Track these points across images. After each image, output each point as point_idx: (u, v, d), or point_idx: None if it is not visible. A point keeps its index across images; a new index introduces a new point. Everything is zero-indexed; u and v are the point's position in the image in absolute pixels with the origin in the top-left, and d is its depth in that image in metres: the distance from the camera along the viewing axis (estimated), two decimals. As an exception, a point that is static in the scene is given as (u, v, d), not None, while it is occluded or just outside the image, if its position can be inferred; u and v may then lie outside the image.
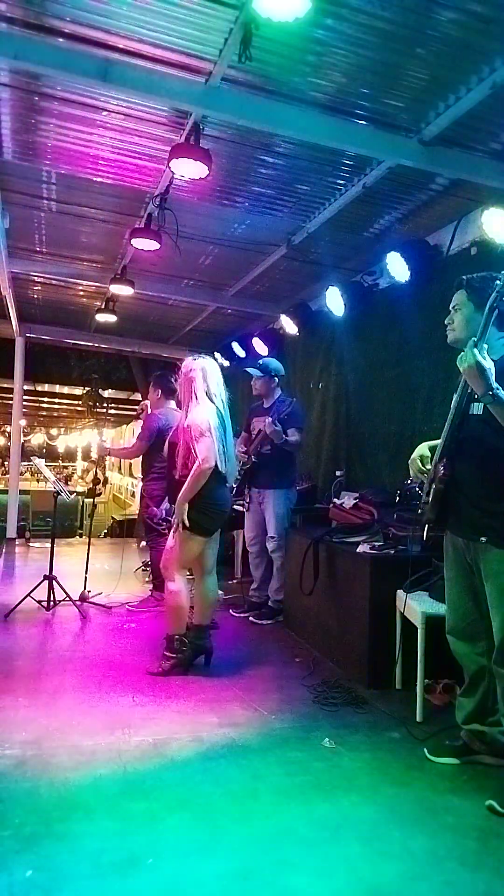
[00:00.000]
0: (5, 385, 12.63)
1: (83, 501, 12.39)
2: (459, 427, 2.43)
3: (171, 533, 3.52)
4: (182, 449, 3.48)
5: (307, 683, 3.41)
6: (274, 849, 1.99)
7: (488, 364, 2.15)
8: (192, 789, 2.32)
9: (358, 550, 3.66)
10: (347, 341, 5.64)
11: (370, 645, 3.39)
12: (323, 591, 3.95)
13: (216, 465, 3.42)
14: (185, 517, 3.41)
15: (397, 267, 4.49)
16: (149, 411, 5.08)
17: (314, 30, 2.67)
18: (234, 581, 5.97)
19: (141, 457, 5.09)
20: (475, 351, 2.15)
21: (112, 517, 13.02)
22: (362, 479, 5.23)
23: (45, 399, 20.35)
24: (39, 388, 18.02)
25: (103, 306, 7.16)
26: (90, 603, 4.88)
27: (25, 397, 11.15)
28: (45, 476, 5.86)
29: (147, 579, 5.56)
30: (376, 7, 2.53)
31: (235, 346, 7.53)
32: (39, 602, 4.65)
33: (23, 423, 11.65)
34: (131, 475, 19.38)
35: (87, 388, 15.80)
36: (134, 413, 16.12)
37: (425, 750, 2.64)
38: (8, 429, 21.99)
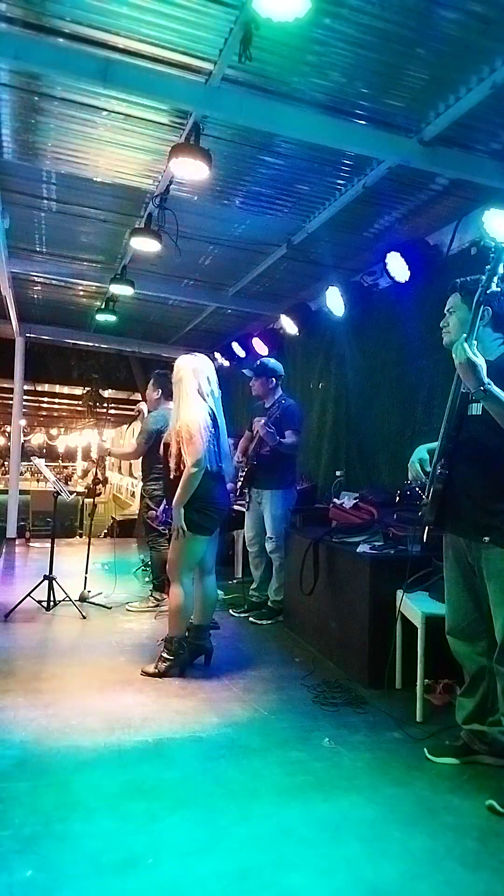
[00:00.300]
0: (5, 385, 12.63)
1: (83, 501, 12.39)
2: (459, 428, 2.44)
3: (173, 537, 3.51)
4: (174, 449, 3.47)
5: (307, 683, 3.41)
6: (274, 849, 1.99)
7: (479, 360, 2.16)
8: (192, 789, 2.32)
9: (358, 550, 3.66)
10: (347, 341, 5.64)
11: (370, 645, 3.39)
12: (323, 591, 3.95)
13: (209, 465, 3.40)
14: (184, 519, 3.40)
15: (397, 267, 4.49)
16: (145, 414, 5.06)
17: (314, 30, 2.67)
18: (235, 581, 5.97)
19: (141, 457, 5.09)
20: (465, 346, 2.16)
21: (112, 517, 13.02)
22: (362, 479, 5.23)
23: (45, 399, 20.35)
24: (39, 388, 18.02)
25: (103, 306, 7.17)
26: (90, 603, 4.88)
27: (25, 397, 11.15)
28: (45, 476, 5.86)
29: (147, 579, 5.56)
30: (376, 7, 2.53)
31: (235, 346, 7.52)
32: (39, 602, 4.65)
33: (23, 423, 11.64)
34: (131, 475, 19.38)
35: (87, 388, 15.81)
36: (133, 413, 16.13)
37: (425, 750, 2.64)
38: (8, 429, 21.98)
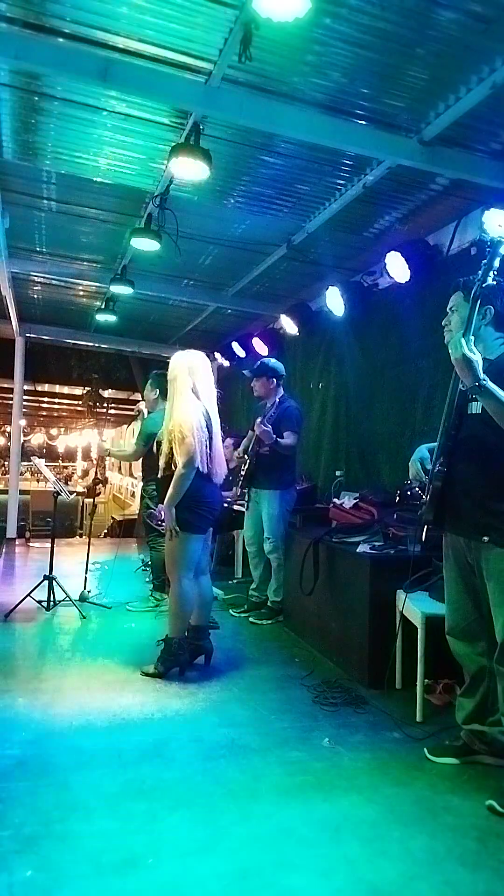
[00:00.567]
0: (5, 385, 12.65)
1: (83, 501, 12.40)
2: (458, 426, 2.43)
3: (166, 538, 3.51)
4: (165, 448, 3.45)
5: (307, 683, 3.41)
6: (274, 849, 1.99)
7: (476, 356, 2.16)
8: (192, 789, 2.32)
9: (358, 550, 3.66)
10: (347, 341, 5.64)
11: (370, 645, 3.38)
12: (323, 591, 3.95)
13: (200, 466, 3.37)
14: (175, 519, 3.39)
15: (397, 267, 4.49)
16: (145, 414, 5.06)
17: (314, 30, 2.67)
18: (234, 581, 5.97)
19: (141, 459, 5.09)
20: (462, 342, 2.16)
21: (112, 517, 13.03)
22: (362, 479, 5.23)
23: (45, 399, 20.37)
24: (39, 388, 18.04)
25: (103, 306, 7.17)
26: (90, 603, 4.88)
27: (25, 397, 11.16)
28: (45, 476, 5.86)
29: (147, 579, 5.56)
30: (376, 7, 2.53)
31: (235, 346, 7.53)
32: (39, 602, 4.65)
33: (23, 423, 11.65)
34: (131, 475, 19.38)
35: (87, 388, 15.82)
36: (133, 413, 16.13)
37: (425, 750, 2.64)
38: (8, 429, 21.98)
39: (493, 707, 2.50)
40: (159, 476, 3.47)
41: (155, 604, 4.89)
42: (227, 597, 5.26)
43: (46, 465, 6.36)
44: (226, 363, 8.13)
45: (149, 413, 5.04)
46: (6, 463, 21.13)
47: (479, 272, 2.23)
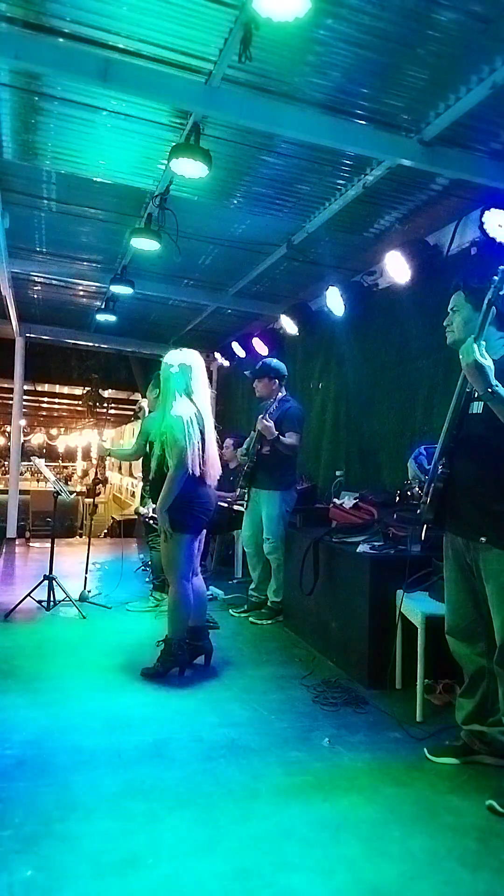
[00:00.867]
0: (5, 385, 12.65)
1: (83, 501, 12.40)
2: (458, 426, 2.43)
3: (161, 539, 3.51)
4: (157, 451, 3.44)
5: (307, 683, 3.41)
6: (274, 849, 1.99)
7: (487, 362, 2.16)
8: (192, 789, 2.32)
9: (358, 550, 3.66)
10: (347, 341, 5.64)
11: (370, 645, 3.38)
12: (323, 591, 3.94)
13: (192, 469, 3.35)
14: (169, 521, 3.38)
15: (397, 267, 4.49)
16: (147, 412, 5.06)
17: (314, 30, 2.67)
18: (234, 581, 5.97)
19: (141, 458, 5.09)
20: (474, 347, 2.15)
21: (112, 517, 13.02)
22: (362, 479, 5.23)
23: (45, 399, 20.37)
24: (39, 388, 18.04)
25: (103, 306, 7.17)
26: (90, 603, 4.88)
27: (25, 397, 11.16)
28: (45, 476, 5.86)
29: (147, 579, 5.56)
30: (376, 7, 2.53)
31: (235, 346, 7.53)
32: (39, 602, 4.65)
33: (23, 423, 11.65)
34: (131, 475, 19.37)
35: (87, 388, 15.81)
36: (134, 413, 16.11)
37: (425, 750, 2.64)
38: (8, 429, 21.98)
39: (492, 708, 2.50)
40: (150, 478, 3.47)
41: (155, 604, 4.89)
42: (227, 597, 5.27)
43: (46, 465, 6.37)
44: (226, 363, 8.13)
45: (150, 412, 5.04)
46: (6, 463, 21.13)
47: (496, 278, 2.19)
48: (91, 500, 5.85)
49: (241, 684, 3.39)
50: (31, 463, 14.06)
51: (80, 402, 18.34)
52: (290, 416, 4.65)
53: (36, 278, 6.89)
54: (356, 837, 2.06)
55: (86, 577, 5.10)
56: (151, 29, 2.79)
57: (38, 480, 18.90)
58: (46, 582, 4.72)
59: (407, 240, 4.58)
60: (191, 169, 3.47)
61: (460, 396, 2.42)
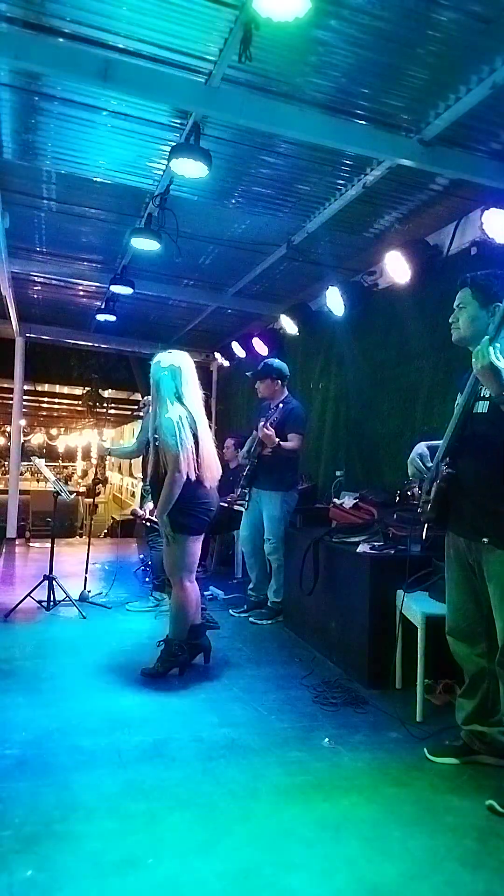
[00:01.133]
0: (5, 385, 12.62)
1: (83, 501, 12.41)
2: (463, 426, 2.42)
3: (164, 543, 3.50)
4: (152, 456, 3.44)
5: (307, 683, 3.41)
6: (274, 849, 1.99)
7: (501, 364, 2.14)
8: (192, 789, 2.32)
9: (358, 550, 3.66)
10: (347, 341, 5.64)
11: (370, 645, 3.38)
12: (323, 591, 3.95)
13: (189, 474, 3.33)
14: (170, 523, 3.38)
15: (397, 267, 4.49)
16: (149, 410, 5.05)
17: (314, 30, 2.67)
18: (234, 581, 5.97)
19: (141, 457, 5.09)
20: (490, 350, 2.12)
21: (112, 517, 13.02)
22: (362, 479, 5.23)
23: (45, 399, 20.34)
24: (39, 388, 18.01)
25: (103, 306, 7.17)
26: (90, 603, 4.88)
27: (25, 397, 11.16)
28: (45, 476, 5.86)
29: (147, 579, 5.56)
30: (376, 7, 2.53)
31: (235, 347, 7.53)
32: (39, 602, 4.65)
33: (23, 423, 11.65)
34: (131, 475, 19.38)
35: (87, 388, 15.80)
36: (133, 413, 16.12)
37: (425, 750, 2.64)
38: (8, 429, 21.97)
39: (493, 708, 2.50)
40: (147, 480, 3.47)
41: (155, 603, 4.89)
42: (226, 597, 5.27)
43: (46, 466, 6.37)
44: (226, 363, 8.13)
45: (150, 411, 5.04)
46: (6, 463, 21.12)
47: None
48: (91, 500, 5.86)
49: (241, 684, 3.39)
50: (31, 463, 14.06)
51: (80, 402, 18.31)
52: (294, 418, 4.64)
53: (36, 278, 6.89)
54: (356, 837, 2.05)
55: (86, 577, 5.11)
56: (151, 29, 2.79)
57: (38, 480, 18.89)
58: (46, 582, 4.72)
59: (407, 240, 4.58)
60: (191, 169, 3.47)
61: (470, 396, 2.40)
